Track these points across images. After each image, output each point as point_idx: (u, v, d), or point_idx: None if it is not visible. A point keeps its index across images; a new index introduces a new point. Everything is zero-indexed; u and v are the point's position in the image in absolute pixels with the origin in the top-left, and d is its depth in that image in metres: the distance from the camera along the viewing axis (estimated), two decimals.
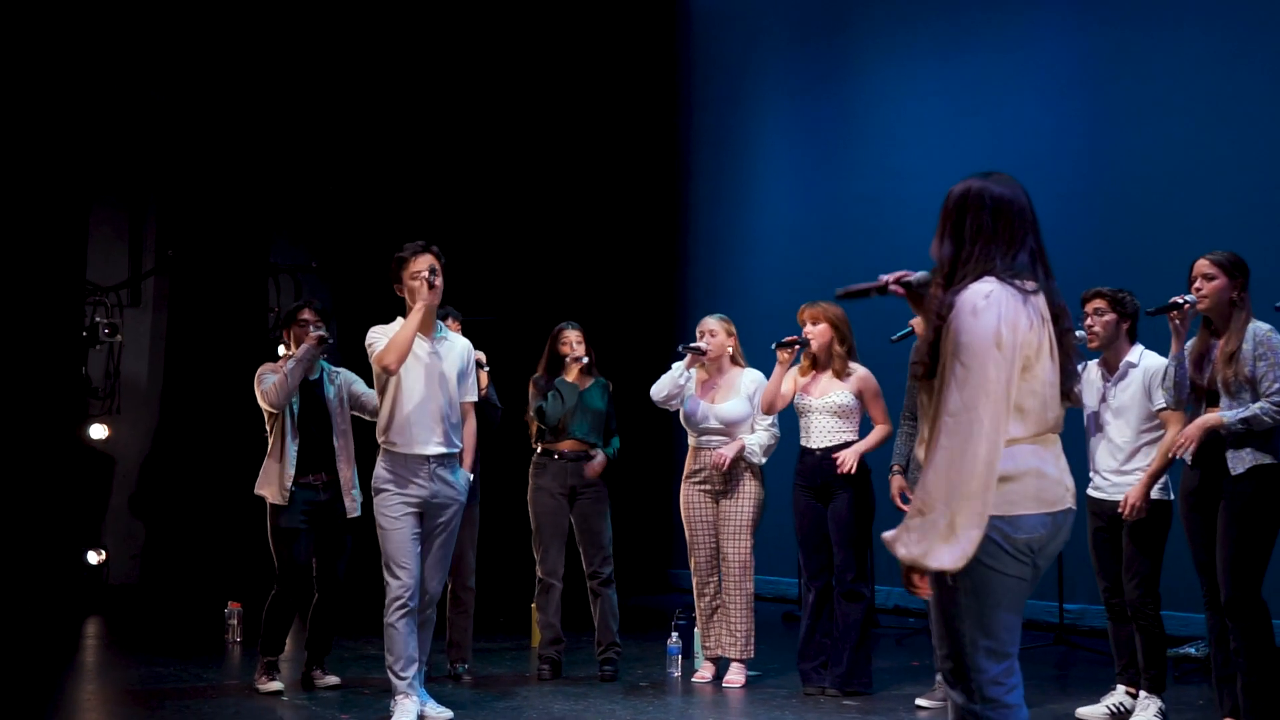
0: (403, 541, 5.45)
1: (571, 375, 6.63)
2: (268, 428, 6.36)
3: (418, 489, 5.51)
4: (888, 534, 2.92)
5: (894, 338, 5.87)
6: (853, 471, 6.07)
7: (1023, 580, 2.95)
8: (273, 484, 6.26)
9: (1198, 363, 5.14)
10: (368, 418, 6.38)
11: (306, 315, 6.41)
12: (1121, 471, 5.52)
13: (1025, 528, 2.91)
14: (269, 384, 6.21)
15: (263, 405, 6.28)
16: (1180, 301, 5.11)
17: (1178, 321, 5.13)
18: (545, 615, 6.69)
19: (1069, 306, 3.12)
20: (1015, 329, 2.91)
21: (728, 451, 6.39)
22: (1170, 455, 5.25)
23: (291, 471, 6.22)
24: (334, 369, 6.52)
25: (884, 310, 7.02)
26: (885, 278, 3.15)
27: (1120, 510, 5.41)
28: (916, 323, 3.24)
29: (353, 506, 6.38)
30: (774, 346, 6.16)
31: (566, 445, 6.66)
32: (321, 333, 6.28)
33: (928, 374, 2.98)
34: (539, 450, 6.74)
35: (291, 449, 6.24)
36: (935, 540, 2.82)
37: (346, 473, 6.38)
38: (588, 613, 6.74)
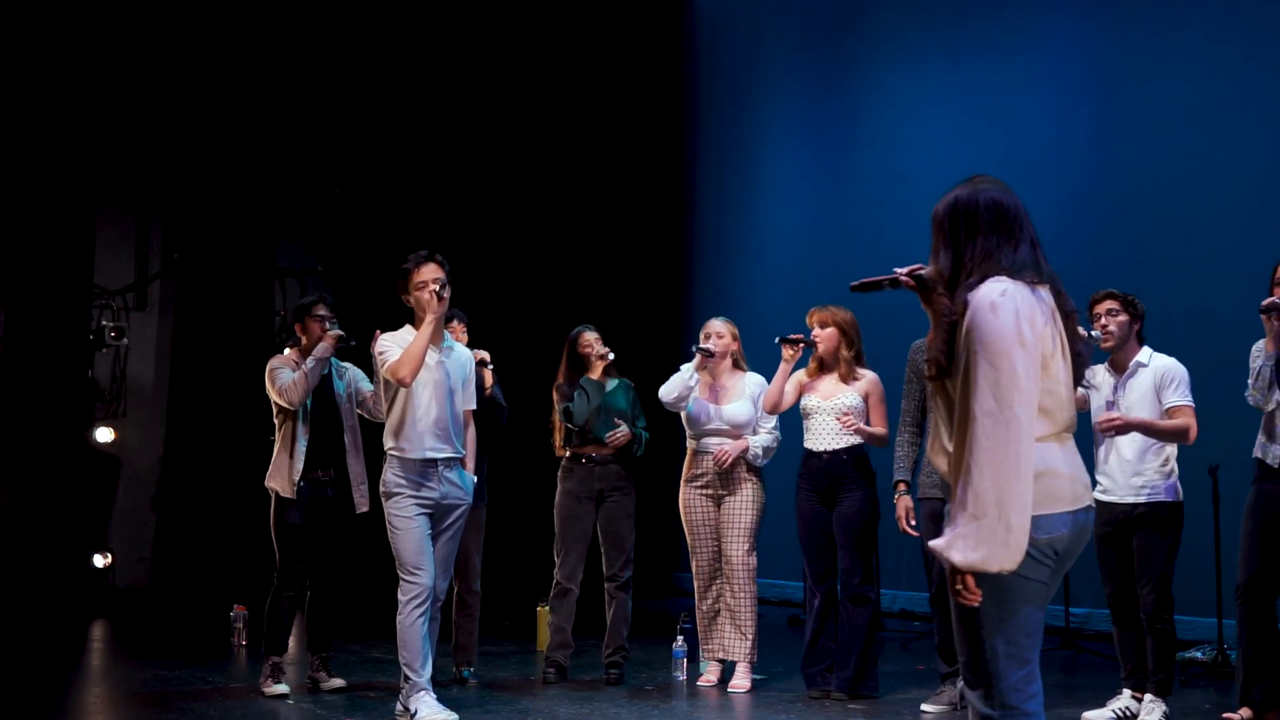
0: (417, 541, 5.51)
1: (596, 373, 6.63)
2: (276, 421, 6.38)
3: (430, 491, 5.57)
4: (937, 542, 2.87)
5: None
6: (855, 433, 6.08)
7: (1043, 584, 2.93)
8: (282, 477, 6.28)
9: None
10: (368, 416, 6.41)
11: (322, 311, 6.43)
12: (1132, 474, 5.51)
13: (1047, 527, 2.88)
14: (286, 381, 6.23)
15: (277, 401, 6.30)
16: None
17: (1276, 322, 5.12)
18: (557, 619, 6.68)
19: (1076, 309, 3.12)
20: (1034, 324, 2.90)
21: (731, 449, 6.38)
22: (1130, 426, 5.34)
23: (301, 465, 6.25)
24: (342, 364, 6.55)
25: (889, 312, 7.03)
26: (898, 271, 3.15)
27: (1099, 422, 5.41)
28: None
29: (362, 501, 6.41)
30: (777, 340, 6.16)
31: (592, 449, 6.66)
32: (341, 332, 6.31)
33: (941, 374, 2.97)
34: (567, 454, 6.74)
35: (302, 443, 6.27)
36: (995, 544, 2.79)
37: (357, 467, 6.41)
38: (594, 617, 6.73)
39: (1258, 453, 5.24)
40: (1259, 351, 5.26)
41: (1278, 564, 5.16)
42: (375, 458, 5.91)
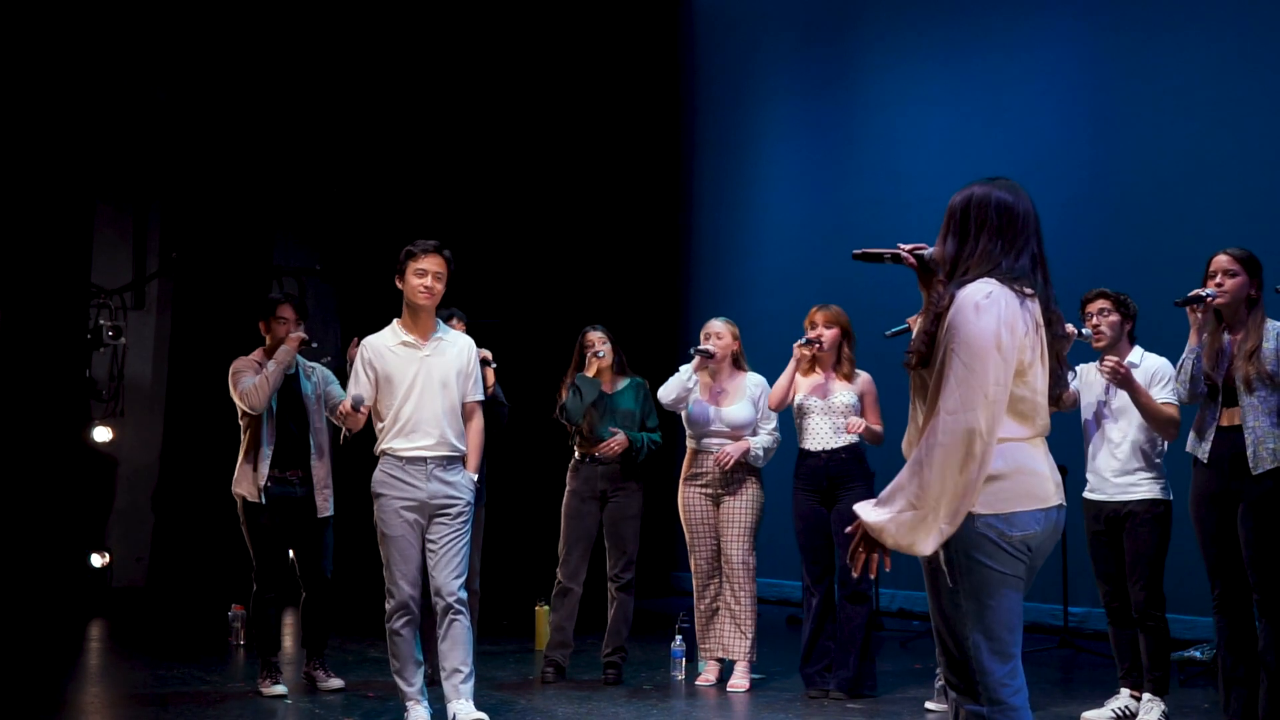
0: (402, 547, 5.33)
1: (592, 371, 6.63)
2: (242, 423, 6.33)
3: (414, 491, 5.35)
4: (867, 514, 2.92)
5: (888, 333, 5.74)
6: (860, 433, 6.06)
7: (1019, 579, 2.99)
8: (248, 482, 6.24)
9: (1212, 359, 5.12)
10: (337, 423, 6.34)
11: (285, 313, 6.35)
12: (1121, 472, 5.51)
13: (1020, 524, 2.95)
14: (247, 385, 6.18)
15: (239, 404, 6.26)
16: (1204, 295, 5.10)
17: (1200, 314, 5.12)
18: (558, 618, 6.68)
19: (1070, 307, 3.14)
20: (1014, 331, 2.95)
21: (732, 450, 6.39)
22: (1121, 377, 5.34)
23: (267, 469, 6.20)
24: (310, 364, 6.50)
25: (883, 309, 7.02)
26: (902, 246, 3.19)
27: (1103, 368, 5.39)
28: (914, 320, 3.27)
29: (324, 505, 6.35)
30: (799, 344, 6.16)
31: (596, 448, 6.67)
32: (302, 334, 6.26)
33: (921, 363, 3.03)
34: (576, 454, 6.74)
35: (266, 448, 6.21)
36: (923, 533, 2.89)
37: (320, 470, 6.35)
38: (594, 617, 6.73)
39: (1190, 449, 5.23)
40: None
41: (1241, 566, 5.10)
42: (341, 461, 5.82)
